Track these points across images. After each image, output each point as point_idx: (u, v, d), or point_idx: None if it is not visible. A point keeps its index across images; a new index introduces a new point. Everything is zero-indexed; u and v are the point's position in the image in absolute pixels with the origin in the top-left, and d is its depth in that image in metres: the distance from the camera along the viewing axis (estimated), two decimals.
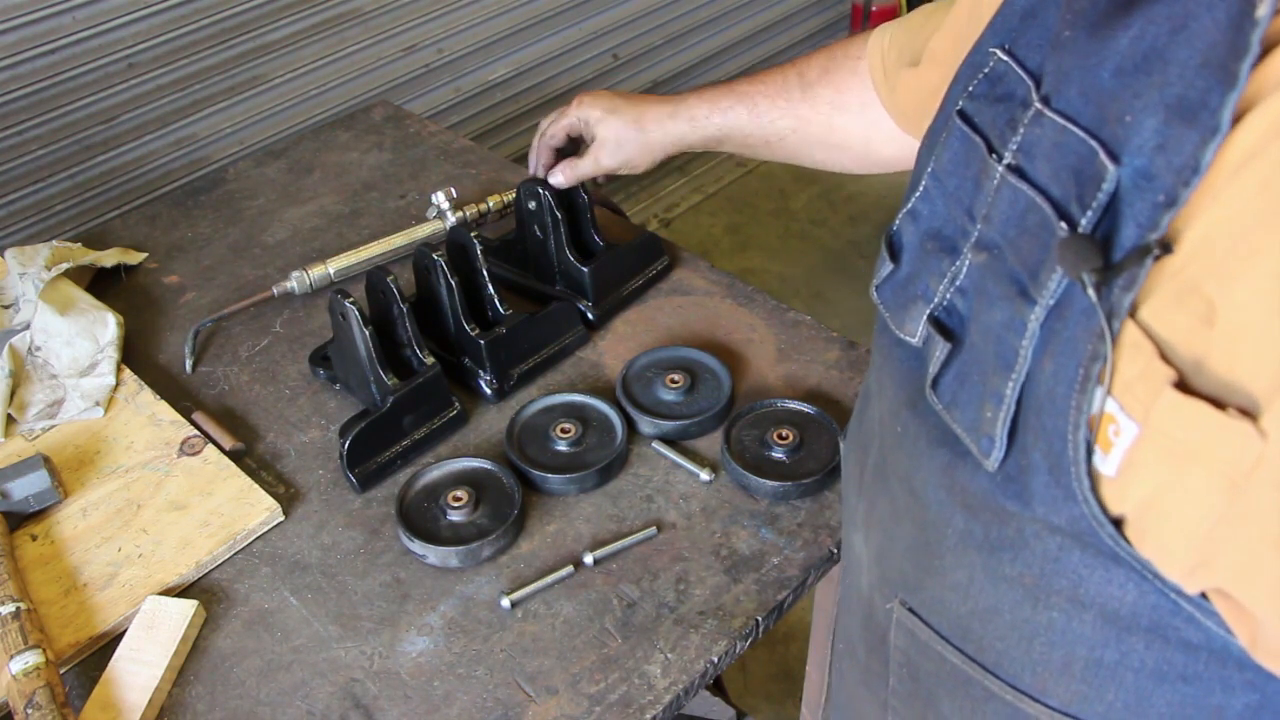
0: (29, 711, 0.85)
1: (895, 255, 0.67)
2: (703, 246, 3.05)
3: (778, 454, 1.07)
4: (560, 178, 1.23)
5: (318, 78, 2.15)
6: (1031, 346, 0.52)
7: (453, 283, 1.14)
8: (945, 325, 0.61)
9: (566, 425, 1.10)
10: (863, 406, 0.78)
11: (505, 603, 0.96)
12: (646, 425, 1.12)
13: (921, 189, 0.64)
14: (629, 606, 0.97)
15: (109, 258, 1.36)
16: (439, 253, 1.14)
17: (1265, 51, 0.42)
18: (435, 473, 1.07)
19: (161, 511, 1.05)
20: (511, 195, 1.39)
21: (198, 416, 1.16)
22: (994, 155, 0.57)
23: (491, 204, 1.39)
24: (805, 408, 1.12)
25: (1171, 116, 0.45)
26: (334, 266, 1.32)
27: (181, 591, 1.00)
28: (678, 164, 3.21)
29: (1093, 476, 0.50)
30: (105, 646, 0.96)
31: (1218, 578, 0.47)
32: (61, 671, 0.92)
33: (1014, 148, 0.56)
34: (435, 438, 1.12)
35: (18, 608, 0.93)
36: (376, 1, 2.16)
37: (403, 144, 1.62)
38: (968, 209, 0.60)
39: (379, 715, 0.89)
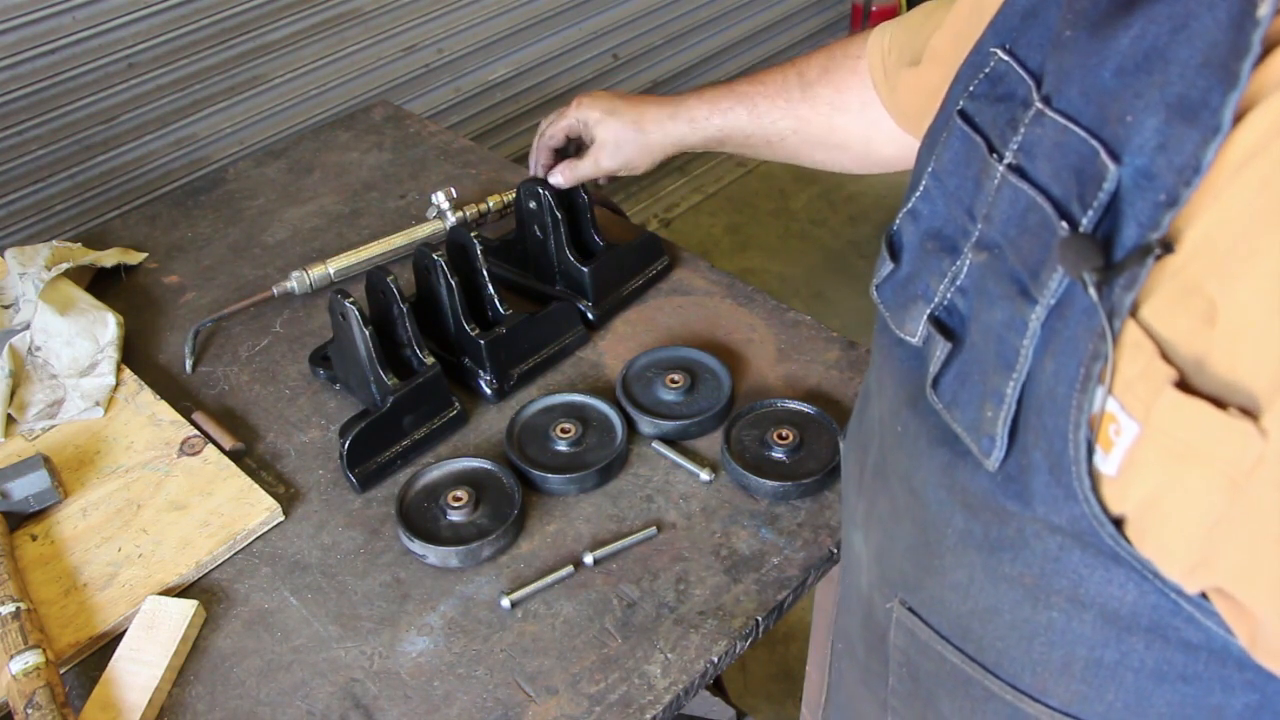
0: (29, 711, 0.85)
1: (895, 255, 0.67)
2: (703, 246, 3.05)
3: (778, 454, 1.07)
4: (559, 179, 1.23)
5: (318, 78, 2.15)
6: (1032, 346, 0.52)
7: (453, 283, 1.14)
8: (946, 325, 0.61)
9: (566, 425, 1.10)
10: (862, 406, 0.78)
11: (505, 603, 0.96)
12: (646, 425, 1.12)
13: (922, 189, 0.64)
14: (629, 606, 0.97)
15: (109, 258, 1.36)
16: (439, 253, 1.14)
17: (1266, 51, 0.42)
18: (435, 473, 1.07)
19: (161, 511, 1.05)
20: (511, 195, 1.39)
21: (198, 416, 1.16)
22: (995, 155, 0.57)
23: (491, 204, 1.39)
24: (805, 408, 1.12)
25: (1172, 116, 0.45)
26: (334, 266, 1.32)
27: (181, 591, 1.00)
28: (678, 164, 3.21)
29: (1093, 476, 0.50)
30: (105, 646, 0.96)
31: (1218, 577, 0.47)
32: (61, 671, 0.92)
33: (1015, 147, 0.56)
34: (435, 438, 1.12)
35: (18, 608, 0.93)
36: (376, 1, 2.16)
37: (403, 144, 1.62)
38: (968, 209, 0.60)
39: (379, 715, 0.89)
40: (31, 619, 0.93)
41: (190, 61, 1.93)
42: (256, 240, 1.44)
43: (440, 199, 1.37)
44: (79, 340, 1.21)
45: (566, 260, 1.25)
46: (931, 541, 0.63)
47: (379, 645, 0.95)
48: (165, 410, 1.16)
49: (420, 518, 1.03)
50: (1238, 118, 0.43)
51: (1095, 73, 0.50)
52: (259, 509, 1.05)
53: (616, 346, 1.24)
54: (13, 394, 1.17)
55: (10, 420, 1.15)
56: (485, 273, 1.18)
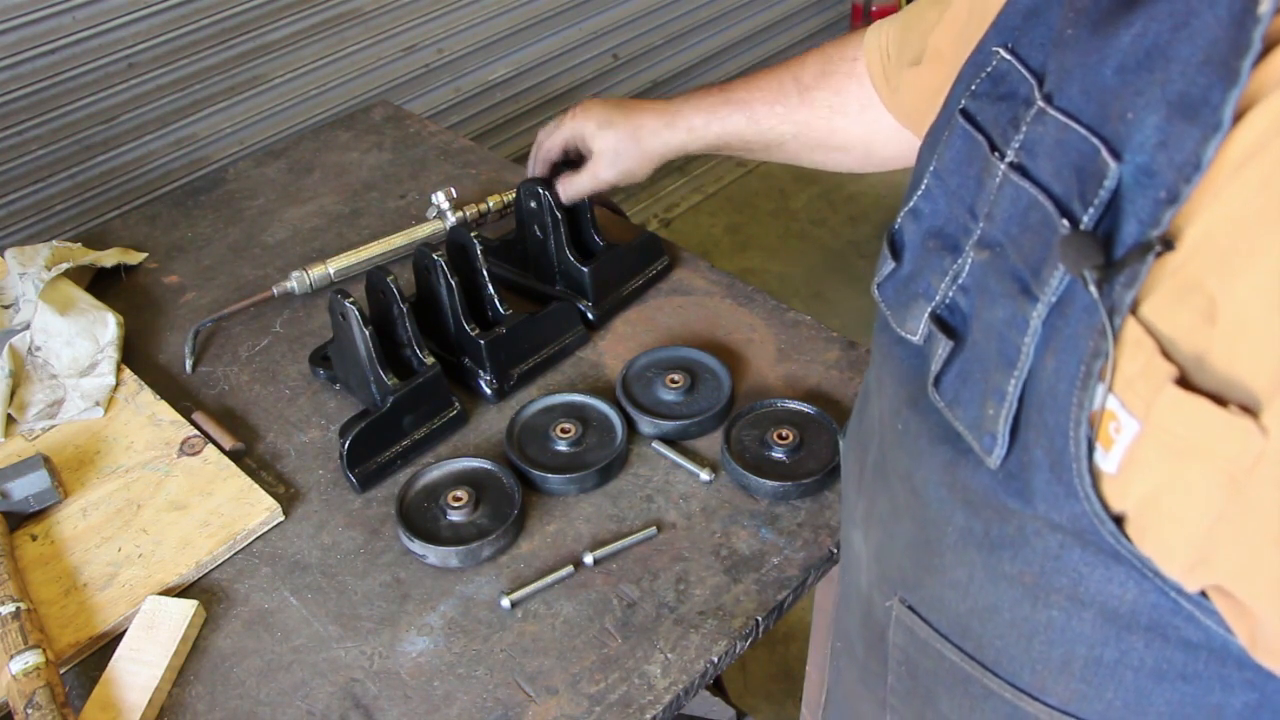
0: (29, 711, 0.85)
1: (897, 253, 0.67)
2: (703, 246, 3.05)
3: (778, 454, 1.07)
4: (559, 194, 1.23)
5: (318, 78, 2.15)
6: (1033, 344, 0.52)
7: (453, 283, 1.14)
8: (947, 323, 0.61)
9: (566, 425, 1.10)
10: (862, 405, 0.78)
11: (505, 603, 0.96)
12: (646, 425, 1.12)
13: (923, 187, 0.64)
14: (629, 606, 0.97)
15: (109, 258, 1.36)
16: (439, 253, 1.14)
17: (1267, 49, 0.42)
18: (435, 473, 1.07)
19: (161, 511, 1.05)
20: (511, 195, 1.40)
21: (198, 416, 1.16)
22: (996, 153, 0.57)
23: (491, 204, 1.39)
24: (805, 408, 1.12)
25: (1173, 113, 0.45)
26: (334, 266, 1.32)
27: (181, 591, 1.00)
28: (678, 164, 3.22)
29: (1094, 473, 0.50)
30: (105, 646, 0.96)
31: (1218, 575, 0.47)
32: (61, 671, 0.92)
33: (1016, 146, 0.56)
34: (435, 438, 1.12)
35: (18, 608, 0.93)
36: (376, 1, 2.16)
37: (403, 144, 1.62)
38: (970, 207, 0.60)
39: (379, 715, 0.89)
40: (31, 619, 0.93)
41: (190, 61, 1.93)
42: (256, 240, 1.44)
43: (440, 199, 1.37)
44: (79, 340, 1.21)
45: (566, 260, 1.25)
46: (931, 540, 0.63)
47: (379, 645, 0.95)
48: (165, 410, 1.16)
49: (420, 518, 1.03)
50: (1238, 116, 0.43)
51: (1096, 71, 0.50)
52: (259, 509, 1.05)
53: (616, 346, 1.24)
54: (13, 394, 1.17)
55: (10, 420, 1.15)
56: (485, 273, 1.18)
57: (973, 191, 0.60)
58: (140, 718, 0.88)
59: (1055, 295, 0.51)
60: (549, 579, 0.98)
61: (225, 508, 1.05)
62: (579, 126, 1.20)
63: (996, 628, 0.60)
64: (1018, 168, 0.56)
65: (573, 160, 1.25)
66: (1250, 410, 0.43)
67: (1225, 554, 0.46)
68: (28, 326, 1.22)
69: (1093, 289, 0.47)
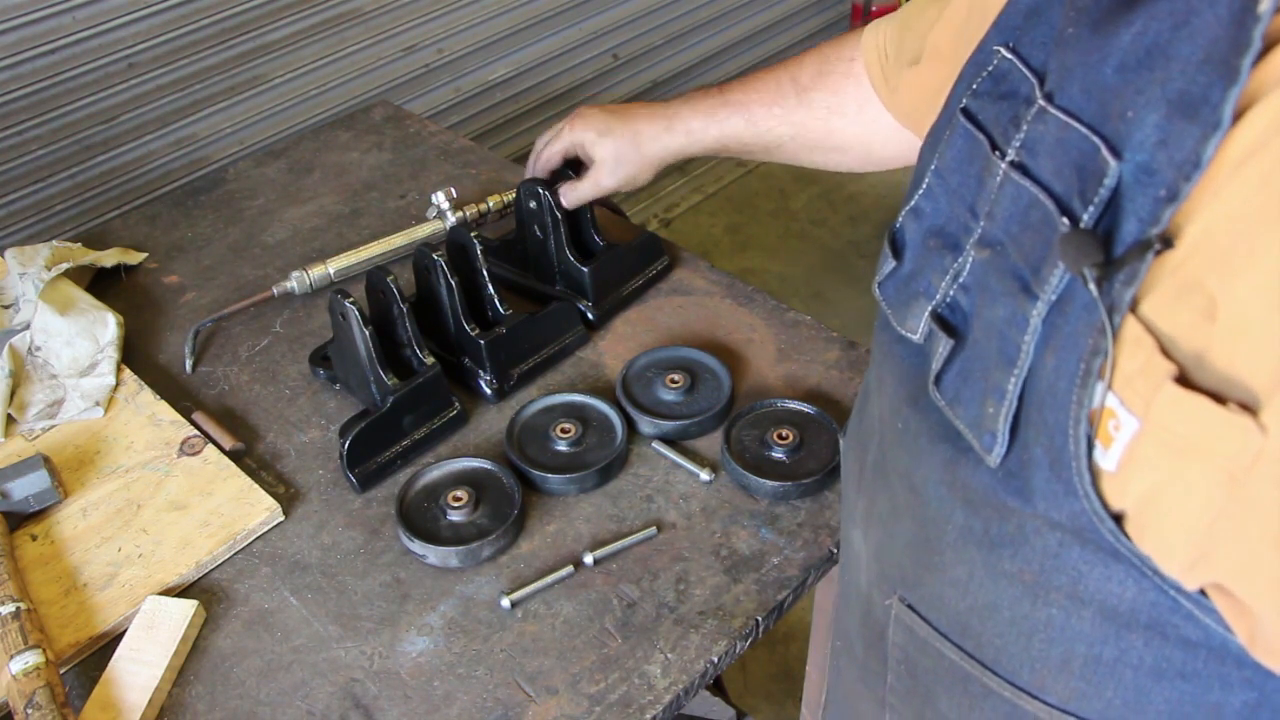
0: (29, 711, 0.85)
1: (898, 252, 0.67)
2: (703, 246, 3.05)
3: (778, 454, 1.07)
4: (561, 202, 1.23)
5: (318, 78, 2.15)
6: (1033, 342, 0.52)
7: (453, 283, 1.14)
8: (948, 322, 0.61)
9: (566, 425, 1.10)
10: (862, 403, 0.78)
11: (505, 603, 0.96)
12: (646, 425, 1.12)
13: (925, 186, 0.65)
14: (629, 606, 0.97)
15: (109, 258, 1.36)
16: (439, 253, 1.14)
17: (1267, 48, 0.42)
18: (435, 473, 1.07)
19: (161, 511, 1.05)
20: (511, 195, 1.40)
21: (198, 416, 1.16)
22: (997, 152, 0.57)
23: (491, 204, 1.39)
24: (805, 408, 1.12)
25: (1173, 112, 0.45)
26: (334, 266, 1.32)
27: (181, 591, 1.00)
28: (678, 164, 3.19)
29: (1093, 471, 0.50)
30: (105, 646, 0.96)
31: (1217, 573, 0.47)
32: (61, 671, 0.92)
33: (1017, 145, 0.56)
34: (435, 438, 1.12)
35: (18, 608, 0.93)
36: (376, 1, 2.16)
37: (403, 144, 1.62)
38: (970, 206, 0.60)
39: (379, 715, 0.89)
40: (31, 619, 0.93)
41: (190, 61, 1.93)
42: (256, 240, 1.44)
43: (440, 199, 1.37)
44: (79, 340, 1.21)
45: (566, 260, 1.25)
46: (931, 538, 0.63)
47: (379, 645, 0.95)
48: (165, 410, 1.16)
49: (420, 518, 1.03)
50: (1238, 114, 0.43)
51: (1097, 69, 0.50)
52: (259, 509, 1.05)
53: (616, 346, 1.24)
54: (13, 394, 1.17)
55: (10, 420, 1.15)
56: (485, 273, 1.18)
57: (974, 190, 0.60)
58: (140, 718, 0.88)
59: (1055, 293, 0.51)
60: (549, 579, 0.98)
61: (225, 508, 1.05)
62: (578, 135, 1.20)
63: (996, 626, 0.60)
64: (1018, 166, 0.56)
65: (572, 165, 1.26)
66: (1249, 408, 0.43)
67: (1224, 552, 0.46)
68: (28, 326, 1.22)
69: (1092, 287, 0.47)
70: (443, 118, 2.41)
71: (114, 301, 1.30)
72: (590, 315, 1.26)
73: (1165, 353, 0.46)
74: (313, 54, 2.11)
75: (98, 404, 1.16)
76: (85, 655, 0.95)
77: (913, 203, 0.66)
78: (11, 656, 0.88)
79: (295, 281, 1.30)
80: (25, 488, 1.03)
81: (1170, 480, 0.46)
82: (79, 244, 1.39)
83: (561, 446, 1.09)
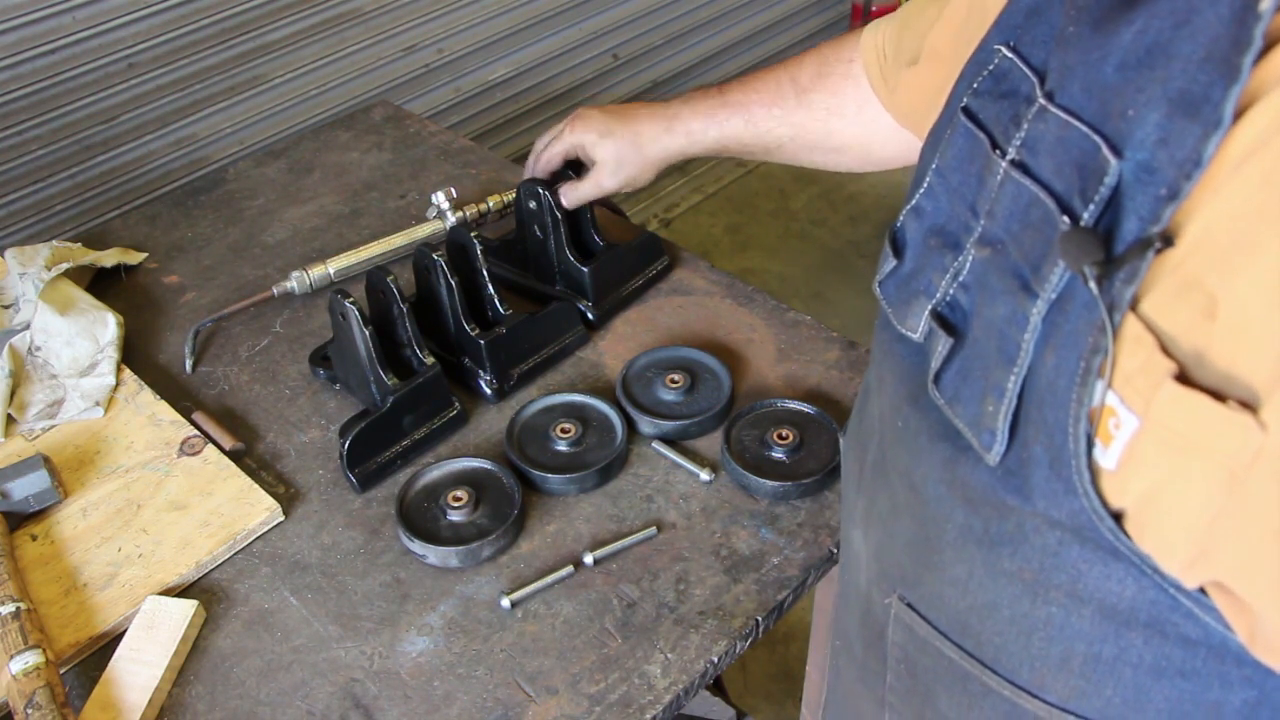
0: (29, 711, 0.85)
1: (899, 251, 0.67)
2: (703, 246, 3.05)
3: (778, 454, 1.07)
4: (562, 202, 1.23)
5: (318, 78, 2.15)
6: (1033, 340, 0.52)
7: (453, 283, 1.14)
8: (948, 320, 0.61)
9: (566, 425, 1.10)
10: (863, 403, 0.78)
11: (505, 603, 0.96)
12: (646, 425, 1.12)
13: (925, 185, 0.65)
14: (629, 606, 0.97)
15: (109, 258, 1.36)
16: (439, 253, 1.14)
17: (1268, 46, 0.42)
18: (435, 473, 1.07)
19: (161, 511, 1.05)
20: (511, 195, 1.40)
21: (198, 416, 1.16)
22: (998, 151, 0.58)
23: (491, 204, 1.40)
24: (805, 408, 1.12)
25: (1174, 110, 0.45)
26: (334, 266, 1.32)
27: (181, 591, 1.00)
28: (678, 164, 3.20)
29: (1093, 470, 0.50)
30: (105, 646, 0.96)
31: (1217, 571, 0.47)
32: (61, 671, 0.92)
33: (1017, 143, 0.56)
34: (435, 438, 1.12)
35: (18, 608, 0.93)
36: (376, 1, 2.16)
37: (403, 144, 1.62)
38: (971, 205, 0.60)
39: (379, 715, 0.89)
40: (31, 619, 0.93)
41: (190, 61, 1.93)
42: (256, 240, 1.44)
43: (440, 199, 1.37)
44: (79, 340, 1.21)
45: (566, 260, 1.25)
46: (931, 537, 0.63)
47: (379, 645, 0.95)
48: (165, 410, 1.16)
49: (420, 518, 1.03)
50: (1239, 113, 0.43)
51: (1097, 68, 0.50)
52: (259, 509, 1.05)
53: (616, 346, 1.24)
54: (13, 394, 1.17)
55: (10, 420, 1.15)
56: (485, 273, 1.18)
57: (974, 189, 0.60)
58: (140, 718, 0.88)
59: (1055, 292, 0.51)
60: (549, 579, 0.98)
61: (225, 508, 1.05)
62: (579, 137, 1.21)
63: (995, 625, 0.60)
64: (1019, 165, 0.56)
65: (572, 166, 1.26)
66: (1249, 406, 0.43)
67: (1224, 550, 0.46)
68: (28, 326, 1.22)
69: (1093, 285, 0.47)
70: (443, 118, 2.41)
71: (114, 301, 1.30)
72: (590, 315, 1.26)
73: (1165, 351, 0.46)
74: (313, 54, 2.11)
75: (98, 404, 1.16)
76: (85, 655, 0.95)
77: (914, 202, 0.66)
78: (11, 656, 0.88)
79: (295, 281, 1.30)
80: (25, 488, 1.03)
81: (1170, 478, 0.46)
82: (79, 244, 1.39)
83: (561, 446, 1.09)
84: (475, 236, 1.17)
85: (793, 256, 3.04)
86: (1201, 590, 0.50)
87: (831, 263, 3.01)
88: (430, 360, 1.11)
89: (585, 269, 1.24)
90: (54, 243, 1.35)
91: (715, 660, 0.93)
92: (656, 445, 1.11)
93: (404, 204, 1.49)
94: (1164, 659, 0.53)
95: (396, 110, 1.70)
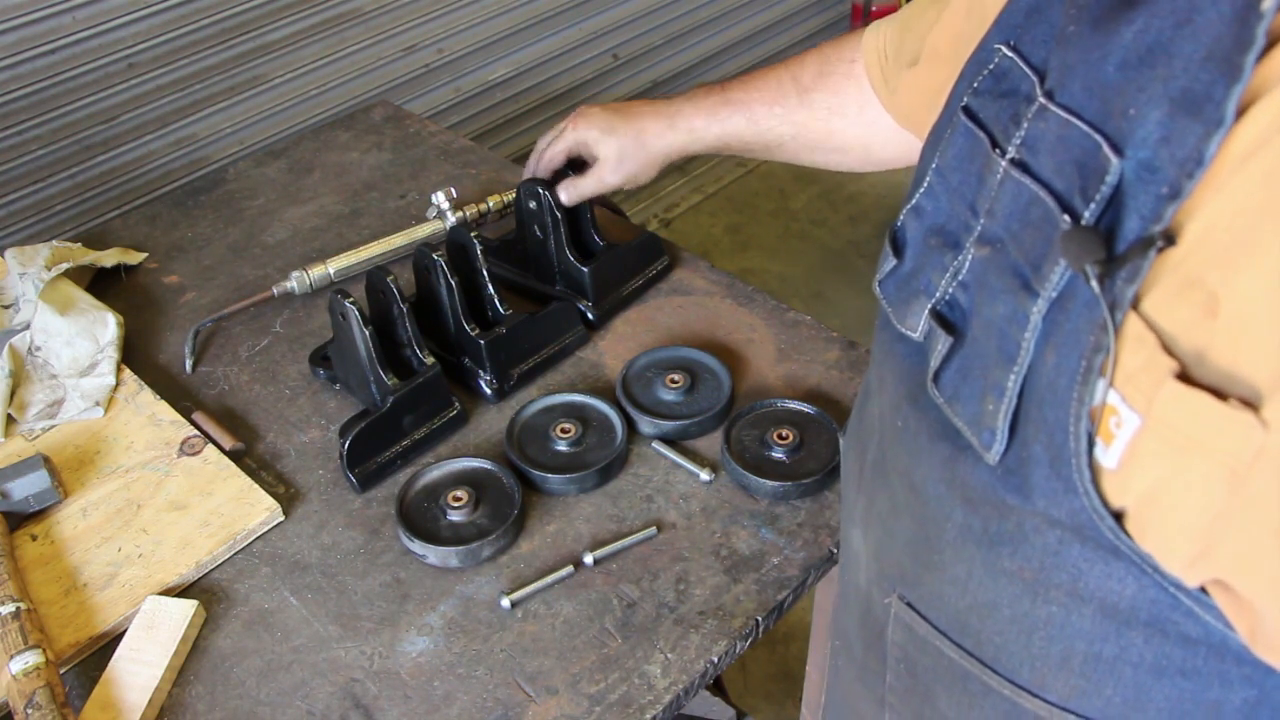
0: (29, 711, 0.85)
1: (898, 250, 0.67)
2: (703, 246, 3.05)
3: (778, 454, 1.07)
4: (563, 197, 1.23)
5: (318, 78, 2.15)
6: (1034, 339, 0.52)
7: (453, 283, 1.14)
8: (947, 319, 0.61)
9: (566, 425, 1.10)
10: (862, 402, 0.78)
11: (505, 603, 0.96)
12: (646, 425, 1.12)
13: (926, 185, 0.65)
14: (629, 606, 0.97)
15: (109, 258, 1.36)
16: (439, 253, 1.14)
17: (1270, 45, 0.42)
18: (435, 473, 1.07)
19: (161, 511, 1.05)
20: (511, 195, 1.40)
21: (198, 416, 1.16)
22: (997, 150, 0.58)
23: (491, 204, 1.39)
24: (805, 408, 1.12)
25: (1175, 109, 0.45)
26: (334, 266, 1.32)
27: (181, 591, 1.00)
28: (678, 164, 3.19)
29: (1094, 469, 0.50)
30: (105, 646, 0.96)
31: (1219, 569, 0.47)
32: (61, 671, 0.92)
33: (1018, 142, 0.56)
34: (435, 438, 1.12)
35: (18, 608, 0.93)
36: (376, 1, 2.16)
37: (403, 144, 1.62)
38: (971, 204, 0.60)
39: (379, 715, 0.89)
40: (31, 619, 0.93)
41: (190, 61, 1.93)
42: (256, 240, 1.44)
43: (440, 199, 1.37)
44: (79, 340, 1.21)
45: (566, 260, 1.25)
46: (931, 536, 0.63)
47: (379, 645, 0.94)
48: (165, 410, 1.16)
49: (420, 518, 1.03)
50: (1241, 111, 0.43)
51: (1098, 67, 0.51)
52: (259, 509, 1.05)
53: (616, 346, 1.24)
54: (13, 394, 1.17)
55: (10, 420, 1.15)
56: (485, 273, 1.18)
57: (974, 188, 0.60)
58: (140, 718, 0.88)
59: (1056, 290, 0.51)
60: (549, 579, 0.98)
61: (225, 508, 1.05)
62: (581, 134, 1.21)
63: (996, 624, 0.60)
64: (1019, 164, 0.56)
65: (574, 165, 1.26)
66: (1251, 404, 0.43)
67: (1226, 548, 0.46)
68: (28, 326, 1.22)
69: (1094, 284, 0.47)
70: (443, 118, 2.41)
71: (114, 301, 1.30)
72: (590, 315, 1.26)
73: (1167, 349, 0.46)
74: (313, 54, 2.11)
75: (98, 404, 1.16)
76: (85, 655, 0.95)
77: (914, 201, 0.66)
78: (11, 656, 0.88)
79: (295, 281, 1.30)
80: (25, 488, 1.03)
81: (1172, 477, 0.46)
82: (79, 244, 1.39)
83: (561, 446, 1.09)
84: (475, 236, 1.17)
85: (793, 256, 3.04)
86: (1202, 589, 0.50)
87: (831, 263, 3.01)
88: (430, 360, 1.11)
89: (585, 269, 1.24)
90: (54, 243, 1.35)
91: (715, 660, 0.93)
92: (656, 445, 1.11)
93: (404, 204, 1.49)
94: (1164, 658, 0.53)
95: (396, 110, 1.70)
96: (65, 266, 1.28)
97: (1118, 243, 0.48)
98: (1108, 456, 0.49)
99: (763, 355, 1.22)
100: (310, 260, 1.36)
